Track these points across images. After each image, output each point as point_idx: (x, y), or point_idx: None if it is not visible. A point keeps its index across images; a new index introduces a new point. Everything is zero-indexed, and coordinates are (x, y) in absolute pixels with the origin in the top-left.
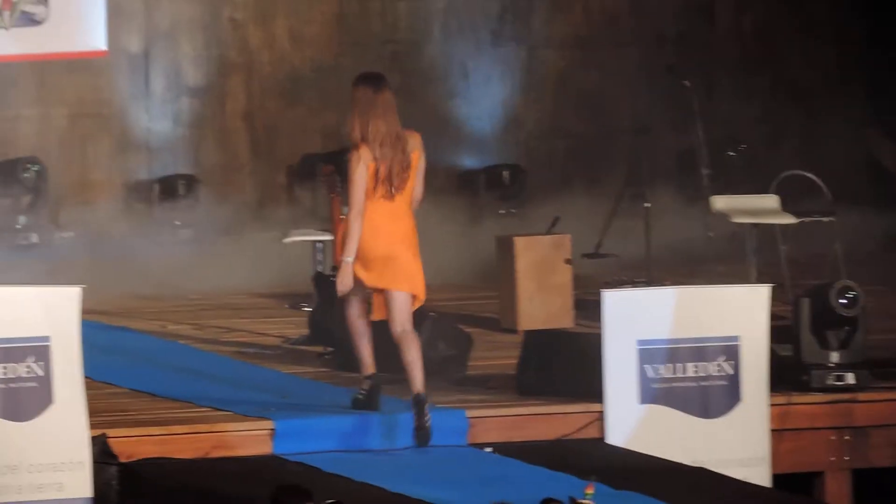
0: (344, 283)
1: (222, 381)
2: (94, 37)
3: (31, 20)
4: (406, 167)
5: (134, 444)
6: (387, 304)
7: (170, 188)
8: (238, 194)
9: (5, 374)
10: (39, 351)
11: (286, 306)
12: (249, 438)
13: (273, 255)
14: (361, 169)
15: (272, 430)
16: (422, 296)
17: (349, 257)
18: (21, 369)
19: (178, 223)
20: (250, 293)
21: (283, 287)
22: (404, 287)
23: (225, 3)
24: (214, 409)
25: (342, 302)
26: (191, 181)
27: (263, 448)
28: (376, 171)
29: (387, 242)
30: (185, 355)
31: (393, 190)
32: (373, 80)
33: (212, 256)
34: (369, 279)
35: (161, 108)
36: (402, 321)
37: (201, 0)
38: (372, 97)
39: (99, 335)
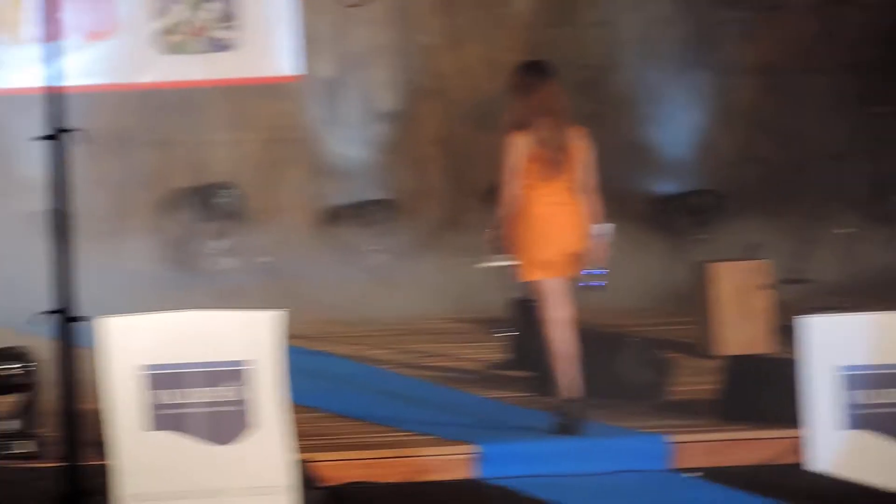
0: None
1: (425, 406)
2: (287, 62)
3: (222, 46)
4: (565, 156)
5: (338, 468)
6: (550, 289)
7: (364, 213)
8: (431, 219)
9: (210, 397)
10: (243, 375)
11: (486, 331)
12: (453, 462)
13: (468, 281)
14: (515, 156)
15: (476, 454)
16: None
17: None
18: (225, 393)
19: (372, 248)
20: (448, 318)
21: (479, 312)
22: (574, 274)
23: (418, 28)
24: (418, 434)
25: (543, 324)
26: (385, 206)
27: (467, 472)
28: (533, 158)
29: (553, 230)
30: (386, 379)
31: (553, 175)
32: (535, 68)
33: (406, 281)
34: (545, 272)
35: (354, 134)
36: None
37: (394, 25)
38: (533, 84)
39: (301, 359)
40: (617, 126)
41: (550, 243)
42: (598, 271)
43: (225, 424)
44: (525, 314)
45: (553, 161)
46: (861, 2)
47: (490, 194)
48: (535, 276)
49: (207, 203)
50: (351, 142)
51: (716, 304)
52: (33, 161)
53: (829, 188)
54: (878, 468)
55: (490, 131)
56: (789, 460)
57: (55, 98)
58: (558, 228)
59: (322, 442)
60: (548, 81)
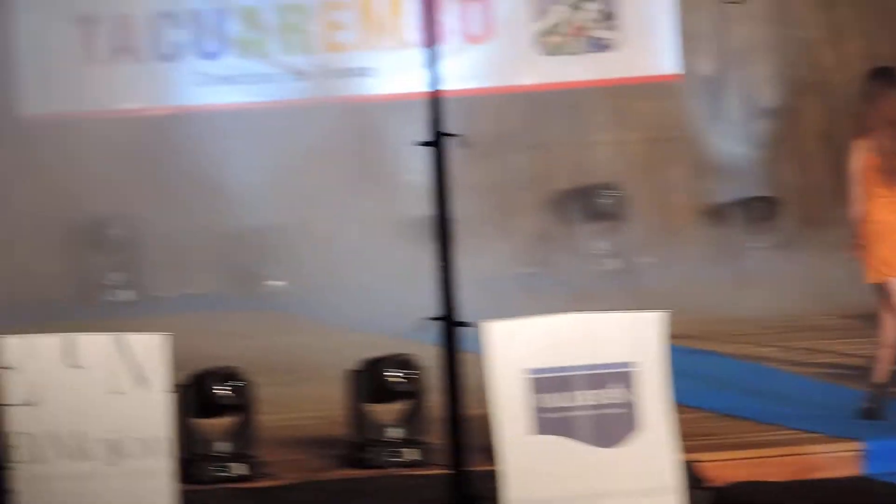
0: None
1: (810, 403)
2: (666, 61)
3: (601, 46)
4: None
5: (725, 468)
6: None
7: (746, 210)
8: (813, 215)
9: (595, 400)
10: (626, 377)
11: (870, 327)
12: (840, 459)
13: (849, 276)
14: (856, 159)
15: (862, 450)
16: None
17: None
18: (609, 395)
19: (754, 245)
20: (830, 313)
21: (862, 307)
22: None
23: (797, 23)
24: (803, 432)
25: None
26: (767, 203)
27: (854, 469)
28: (872, 165)
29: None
30: (770, 377)
31: (893, 184)
32: (883, 75)
33: (788, 277)
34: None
35: (735, 131)
36: None
37: (773, 21)
38: (879, 92)
39: (684, 359)
40: None
41: (893, 248)
42: None
43: (610, 427)
44: None
45: (891, 170)
46: None
47: None
48: (879, 278)
49: (590, 204)
50: (732, 139)
51: None
52: (415, 166)
53: None
54: None
55: None
56: None
57: (435, 103)
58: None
59: (708, 442)
60: (891, 87)
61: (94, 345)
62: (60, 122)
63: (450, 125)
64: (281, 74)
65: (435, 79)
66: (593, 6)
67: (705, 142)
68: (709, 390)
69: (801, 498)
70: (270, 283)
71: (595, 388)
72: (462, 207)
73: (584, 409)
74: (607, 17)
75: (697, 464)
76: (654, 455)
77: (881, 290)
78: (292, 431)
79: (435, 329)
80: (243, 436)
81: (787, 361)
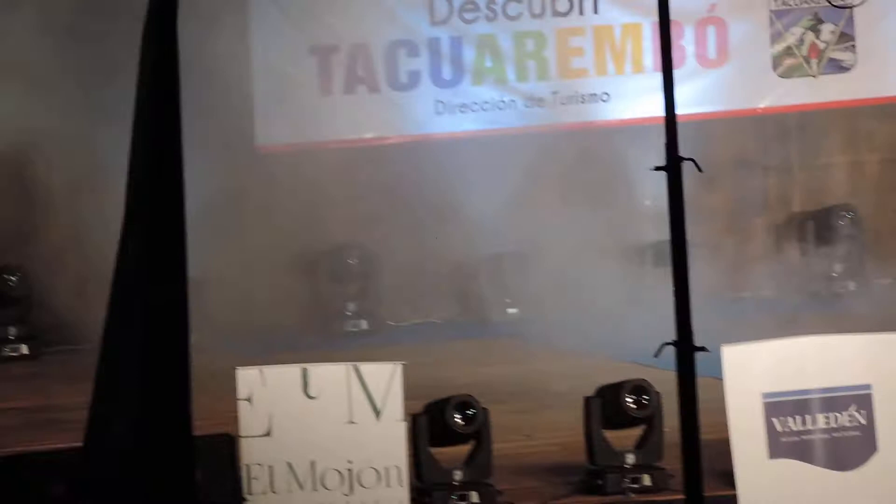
0: None
1: None
2: None
3: (839, 67)
4: None
5: None
6: None
7: None
8: None
9: (832, 423)
10: (864, 399)
11: None
12: None
13: None
14: None
15: None
16: None
17: None
18: (847, 418)
19: None
20: None
21: None
22: None
23: None
24: None
25: None
26: None
27: None
28: None
29: None
30: None
31: None
32: None
33: None
34: None
35: None
36: None
37: None
38: None
39: None
40: None
41: None
42: None
43: (848, 450)
44: None
45: None
46: None
47: None
48: None
49: (826, 226)
50: None
51: None
52: (653, 191)
53: None
54: None
55: None
56: None
57: (672, 127)
58: None
59: None
60: None
61: (328, 375)
62: (298, 151)
63: (686, 149)
64: (518, 101)
65: (671, 103)
66: (830, 27)
67: None
68: None
69: None
70: (504, 310)
71: (833, 411)
72: (699, 232)
73: (822, 432)
74: (844, 38)
75: None
76: (894, 478)
77: None
78: (529, 458)
79: (670, 354)
80: (480, 464)
81: None
